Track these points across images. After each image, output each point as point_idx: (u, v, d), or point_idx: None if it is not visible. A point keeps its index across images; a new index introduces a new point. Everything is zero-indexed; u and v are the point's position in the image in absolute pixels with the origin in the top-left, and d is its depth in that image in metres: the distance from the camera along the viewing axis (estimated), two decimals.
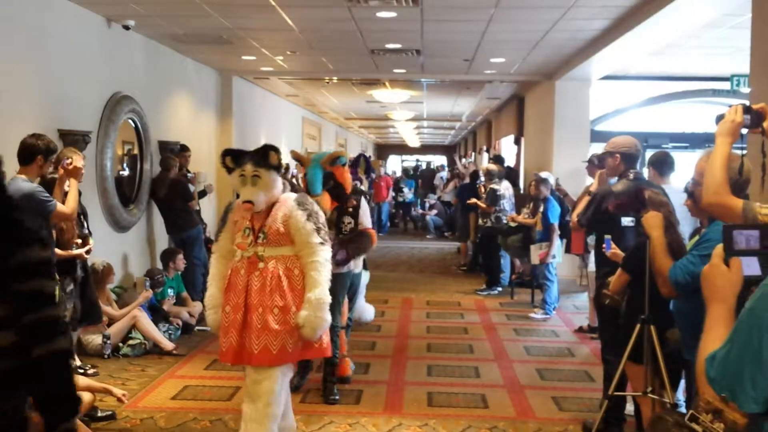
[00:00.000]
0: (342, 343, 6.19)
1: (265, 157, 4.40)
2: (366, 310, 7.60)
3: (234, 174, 4.45)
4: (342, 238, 5.85)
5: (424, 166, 32.01)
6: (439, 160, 38.25)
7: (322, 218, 4.55)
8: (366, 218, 6.06)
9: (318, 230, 4.38)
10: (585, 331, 8.29)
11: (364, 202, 6.12)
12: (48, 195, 5.24)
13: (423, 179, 25.02)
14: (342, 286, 5.91)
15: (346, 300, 6.25)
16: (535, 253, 9.24)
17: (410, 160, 40.53)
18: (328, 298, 4.36)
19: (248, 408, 4.36)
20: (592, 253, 7.69)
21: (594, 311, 8.23)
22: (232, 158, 4.49)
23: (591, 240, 7.59)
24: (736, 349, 1.77)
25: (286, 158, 8.35)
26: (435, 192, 21.89)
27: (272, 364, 4.32)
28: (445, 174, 23.18)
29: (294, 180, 12.36)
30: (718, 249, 2.03)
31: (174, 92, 10.32)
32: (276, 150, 4.46)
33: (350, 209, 5.96)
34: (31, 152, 5.25)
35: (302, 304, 4.32)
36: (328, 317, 4.36)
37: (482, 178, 11.93)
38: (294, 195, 4.55)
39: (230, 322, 4.38)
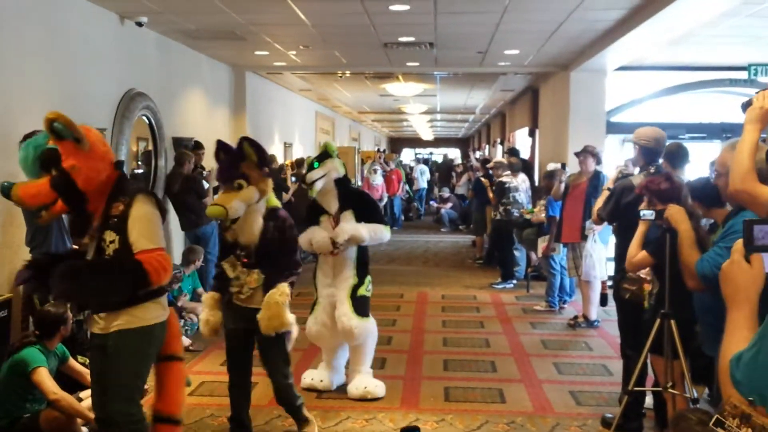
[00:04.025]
0: None
1: None
2: (378, 385, 5.87)
3: None
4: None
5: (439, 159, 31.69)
6: (448, 153, 38.08)
7: None
8: (141, 233, 3.58)
9: None
10: (579, 323, 8.23)
11: (145, 206, 3.64)
12: None
13: (440, 173, 24.98)
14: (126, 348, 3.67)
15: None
16: (541, 245, 9.21)
17: (424, 153, 40.49)
18: None
19: None
20: (590, 237, 7.73)
21: (587, 300, 8.19)
22: None
23: (589, 224, 7.59)
24: (766, 351, 1.70)
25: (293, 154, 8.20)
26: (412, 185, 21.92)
27: None
28: (421, 168, 22.88)
29: (283, 175, 12.21)
30: (738, 245, 1.93)
31: (187, 88, 10.32)
32: None
33: (114, 218, 3.62)
34: None
35: None
36: None
37: (491, 171, 11.95)
38: None
39: None
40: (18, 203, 3.88)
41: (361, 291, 5.75)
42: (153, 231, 3.63)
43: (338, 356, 6.06)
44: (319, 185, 5.55)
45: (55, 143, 3.60)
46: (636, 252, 4.31)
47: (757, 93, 2.88)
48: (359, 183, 19.65)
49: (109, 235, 3.61)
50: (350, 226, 5.54)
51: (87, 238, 3.79)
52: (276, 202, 4.79)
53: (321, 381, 5.93)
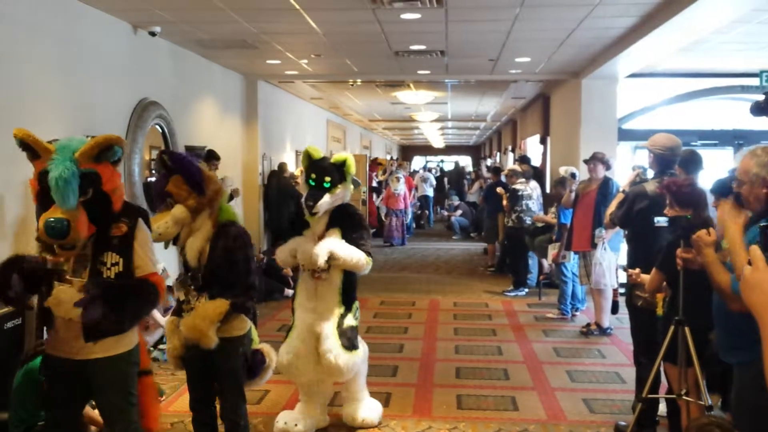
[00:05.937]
0: None
1: None
2: (374, 410, 5.45)
3: None
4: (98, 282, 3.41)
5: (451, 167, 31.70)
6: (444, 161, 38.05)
7: None
8: (147, 256, 3.55)
9: None
10: (591, 331, 8.21)
11: (146, 229, 3.62)
12: None
13: (450, 180, 24.93)
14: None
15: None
16: (551, 252, 9.18)
17: (434, 161, 40.53)
18: None
19: None
20: (600, 246, 7.73)
21: (599, 307, 8.16)
22: None
23: (598, 232, 7.61)
24: None
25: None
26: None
27: None
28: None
29: (294, 183, 12.15)
30: (757, 251, 1.87)
31: (200, 97, 10.38)
32: None
33: (116, 240, 3.49)
34: None
35: None
36: None
37: (503, 178, 11.96)
38: None
39: None
40: (75, 240, 3.36)
41: (349, 321, 5.05)
42: (154, 255, 3.63)
43: (317, 393, 5.29)
44: (320, 213, 4.99)
45: (90, 166, 3.35)
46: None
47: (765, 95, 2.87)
48: (364, 190, 19.61)
49: (111, 257, 3.44)
50: (329, 243, 4.88)
51: (62, 256, 3.44)
52: (230, 215, 4.31)
53: (296, 425, 5.14)
